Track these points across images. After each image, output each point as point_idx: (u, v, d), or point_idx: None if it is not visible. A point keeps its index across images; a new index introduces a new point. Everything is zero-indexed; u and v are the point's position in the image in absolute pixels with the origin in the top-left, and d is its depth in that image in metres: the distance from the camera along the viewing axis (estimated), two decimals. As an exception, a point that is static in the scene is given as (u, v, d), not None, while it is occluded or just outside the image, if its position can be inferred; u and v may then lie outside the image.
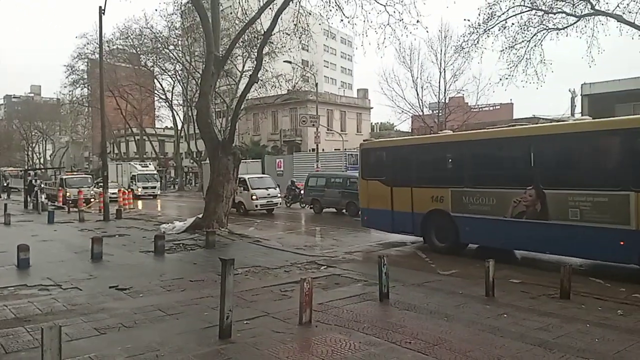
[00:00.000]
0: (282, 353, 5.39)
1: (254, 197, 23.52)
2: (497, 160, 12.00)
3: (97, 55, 29.02)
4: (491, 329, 6.28)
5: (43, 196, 27.69)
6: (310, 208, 24.86)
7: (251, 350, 5.50)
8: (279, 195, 24.90)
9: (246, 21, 19.98)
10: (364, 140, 17.21)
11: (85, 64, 48.23)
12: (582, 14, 21.93)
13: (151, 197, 40.10)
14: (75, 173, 44.22)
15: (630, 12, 21.05)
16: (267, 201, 24.09)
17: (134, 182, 40.49)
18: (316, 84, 41.58)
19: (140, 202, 35.00)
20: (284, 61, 36.73)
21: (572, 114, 41.55)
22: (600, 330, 6.20)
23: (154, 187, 41.24)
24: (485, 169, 11.90)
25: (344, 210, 22.84)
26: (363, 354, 5.37)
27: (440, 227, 12.50)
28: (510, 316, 6.86)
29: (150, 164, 45.16)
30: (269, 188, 24.59)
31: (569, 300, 7.65)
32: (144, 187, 40.17)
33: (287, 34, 22.91)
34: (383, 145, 15.66)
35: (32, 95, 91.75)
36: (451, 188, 12.13)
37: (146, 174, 41.52)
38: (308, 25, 20.11)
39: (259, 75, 19.91)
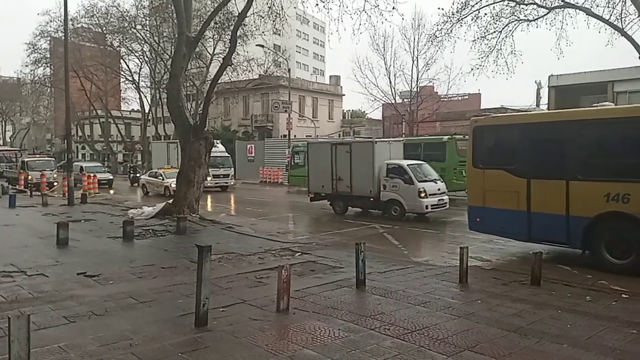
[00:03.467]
0: (261, 341, 5.30)
1: (422, 193, 15.89)
2: None
3: (61, 34, 27.84)
4: (467, 314, 6.36)
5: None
6: None
7: (229, 338, 5.39)
8: (446, 190, 17.36)
9: (218, 2, 19.51)
10: (475, 116, 12.04)
11: (48, 42, 46.26)
12: (553, 5, 22.35)
13: (219, 189, 28.75)
14: (37, 155, 41.98)
15: (598, 6, 21.60)
16: (439, 199, 16.49)
17: None
18: (289, 69, 41.17)
19: (209, 199, 24.77)
20: (257, 45, 36.19)
21: (538, 105, 42.62)
22: (571, 316, 6.36)
23: (227, 175, 29.32)
24: None
25: None
26: (343, 340, 5.35)
27: (619, 237, 9.13)
28: (484, 302, 6.97)
29: (218, 143, 30.09)
30: (436, 180, 16.96)
31: (540, 287, 7.82)
32: (214, 176, 28.00)
33: (260, 16, 22.50)
34: (513, 122, 11.45)
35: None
36: None
37: (216, 156, 28.17)
38: (282, 9, 19.81)
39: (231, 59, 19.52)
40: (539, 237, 10.19)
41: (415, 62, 37.54)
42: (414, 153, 21.51)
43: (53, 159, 37.48)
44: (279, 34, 30.21)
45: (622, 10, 21.13)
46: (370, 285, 7.65)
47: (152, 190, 26.47)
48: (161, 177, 26.13)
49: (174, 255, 10.52)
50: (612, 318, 6.34)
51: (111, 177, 34.59)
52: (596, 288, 8.00)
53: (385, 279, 8.23)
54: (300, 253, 10.58)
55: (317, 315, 6.24)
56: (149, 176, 27.86)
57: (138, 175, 34.05)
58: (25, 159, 33.67)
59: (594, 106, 10.66)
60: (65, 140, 24.63)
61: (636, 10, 20.30)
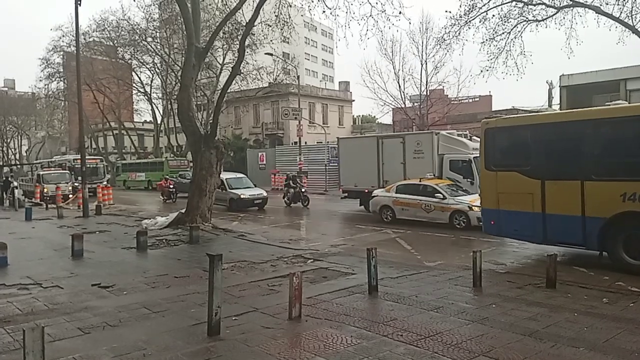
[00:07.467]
0: (273, 349, 5.29)
1: None
2: None
3: (73, 48, 28.23)
4: (481, 319, 6.29)
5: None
6: None
7: (241, 347, 5.39)
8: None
9: (226, 12, 19.70)
10: (486, 117, 11.92)
11: (61, 57, 47.03)
12: (562, 5, 22.19)
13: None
14: (52, 168, 42.26)
15: (607, 4, 21.40)
16: None
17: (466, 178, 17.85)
18: (298, 77, 41.32)
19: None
20: (265, 53, 36.37)
21: (550, 105, 42.22)
22: (588, 319, 6.26)
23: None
24: None
25: None
26: (355, 348, 5.31)
27: (637, 237, 8.97)
28: (499, 306, 6.89)
29: (466, 133, 20.89)
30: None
31: (555, 290, 7.72)
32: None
33: (268, 25, 22.65)
34: (525, 123, 11.18)
35: (6, 89, 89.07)
36: None
37: (460, 160, 18.62)
38: (290, 17, 19.92)
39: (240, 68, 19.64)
40: (555, 239, 10.05)
41: (424, 65, 37.45)
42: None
43: (68, 171, 37.73)
44: (288, 42, 30.29)
45: (632, 7, 20.96)
46: (382, 291, 7.60)
47: (413, 217, 16.39)
48: (440, 195, 15.90)
49: (187, 265, 10.57)
50: (630, 320, 6.23)
51: (265, 195, 23.89)
52: (613, 290, 7.88)
53: (397, 285, 8.18)
54: (312, 260, 10.57)
55: (329, 322, 6.21)
56: (401, 192, 16.98)
57: (303, 190, 24.31)
58: (41, 172, 34.04)
59: (606, 105, 10.53)
60: (80, 153, 24.85)
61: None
